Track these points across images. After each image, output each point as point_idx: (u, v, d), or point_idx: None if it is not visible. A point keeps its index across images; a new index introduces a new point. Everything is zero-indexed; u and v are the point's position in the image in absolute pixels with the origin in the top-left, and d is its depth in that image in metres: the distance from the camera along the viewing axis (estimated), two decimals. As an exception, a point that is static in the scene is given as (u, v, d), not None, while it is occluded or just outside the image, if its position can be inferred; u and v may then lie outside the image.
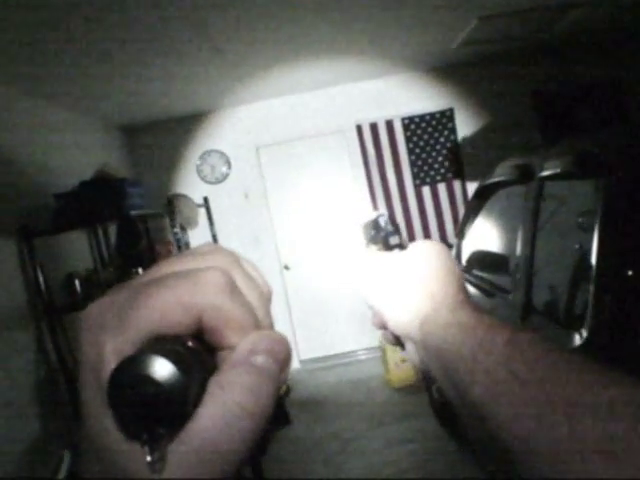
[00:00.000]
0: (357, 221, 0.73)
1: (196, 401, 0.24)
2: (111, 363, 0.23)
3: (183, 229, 3.91)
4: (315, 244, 4.82)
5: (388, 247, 0.60)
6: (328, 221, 4.75)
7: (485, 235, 2.75)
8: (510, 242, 2.46)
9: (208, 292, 0.25)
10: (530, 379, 0.34)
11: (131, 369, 0.22)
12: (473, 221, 2.83)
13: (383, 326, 0.55)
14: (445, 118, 4.76)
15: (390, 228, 0.61)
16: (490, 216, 2.70)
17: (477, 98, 4.77)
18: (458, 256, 2.89)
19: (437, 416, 3.58)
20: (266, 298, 0.31)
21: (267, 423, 0.25)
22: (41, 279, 2.93)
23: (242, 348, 0.26)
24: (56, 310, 3.02)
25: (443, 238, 4.75)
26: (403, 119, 4.74)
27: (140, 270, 3.12)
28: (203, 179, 4.84)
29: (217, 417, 0.23)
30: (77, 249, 3.49)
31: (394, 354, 4.37)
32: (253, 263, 0.32)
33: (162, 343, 0.24)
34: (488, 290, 2.59)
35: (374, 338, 4.77)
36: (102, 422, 0.24)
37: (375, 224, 0.63)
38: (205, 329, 0.26)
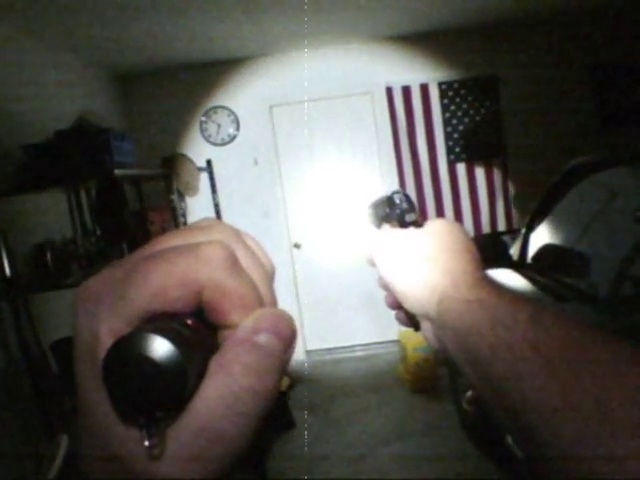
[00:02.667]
0: (368, 198, 0.65)
1: (196, 382, 0.22)
2: (106, 342, 0.22)
3: (181, 195, 3.33)
4: (330, 221, 4.24)
5: (404, 224, 0.55)
6: (347, 196, 4.16)
7: (563, 228, 2.18)
8: (597, 238, 1.94)
9: (209, 267, 0.24)
10: (555, 355, 0.33)
11: (127, 348, 0.21)
12: (550, 210, 2.25)
13: (397, 305, 0.54)
14: (488, 86, 4.13)
15: (405, 205, 0.56)
16: (574, 206, 2.12)
17: (526, 67, 4.13)
18: (523, 251, 2.32)
19: (468, 432, 3.07)
20: (269, 276, 0.29)
21: (271, 404, 0.23)
22: (2, 250, 2.36)
23: (245, 326, 0.24)
24: (20, 288, 2.47)
25: (476, 225, 4.16)
26: (440, 84, 4.11)
27: (124, 244, 2.55)
28: (207, 139, 4.23)
29: (218, 398, 0.22)
30: (50, 214, 2.90)
31: (415, 353, 3.85)
32: (256, 239, 0.30)
33: (161, 321, 0.22)
34: (560, 293, 2.08)
35: (392, 330, 4.23)
36: (98, 406, 0.23)
37: (390, 201, 0.58)
38: (206, 306, 0.24)
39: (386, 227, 0.60)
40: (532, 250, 2.35)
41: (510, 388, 0.35)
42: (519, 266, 2.30)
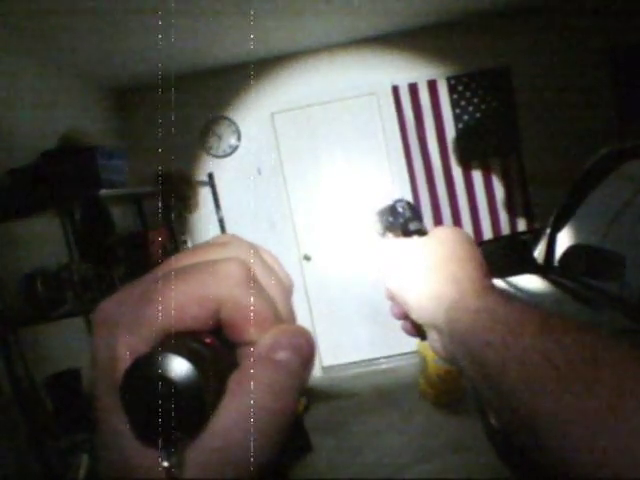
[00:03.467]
0: (377, 205, 0.64)
1: (215, 401, 0.22)
2: (125, 363, 0.22)
3: (180, 212, 3.17)
4: (341, 231, 4.04)
5: (407, 233, 0.55)
6: (357, 203, 3.96)
7: (593, 227, 1.95)
8: (632, 236, 1.74)
9: (226, 285, 0.24)
10: (566, 365, 0.32)
11: (145, 368, 0.20)
12: (578, 206, 2.02)
13: (403, 316, 0.54)
14: (500, 78, 3.90)
15: (409, 214, 0.56)
16: (605, 201, 1.90)
17: (538, 55, 3.90)
18: (549, 253, 2.09)
19: (497, 449, 2.84)
20: (287, 291, 0.29)
21: (290, 422, 0.23)
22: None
23: (263, 343, 0.24)
24: (8, 321, 2.32)
25: (495, 225, 3.93)
26: (449, 78, 3.90)
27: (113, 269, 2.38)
28: (208, 152, 4.07)
29: (237, 417, 0.22)
30: (43, 240, 2.75)
31: (436, 365, 3.62)
32: (273, 254, 0.30)
33: (179, 340, 0.22)
34: (592, 299, 1.87)
35: (411, 341, 4.01)
36: (117, 426, 0.22)
37: (393, 210, 0.57)
38: (224, 324, 0.24)
39: (390, 236, 0.59)
40: (559, 252, 2.13)
41: (522, 399, 0.34)
42: (545, 270, 2.07)
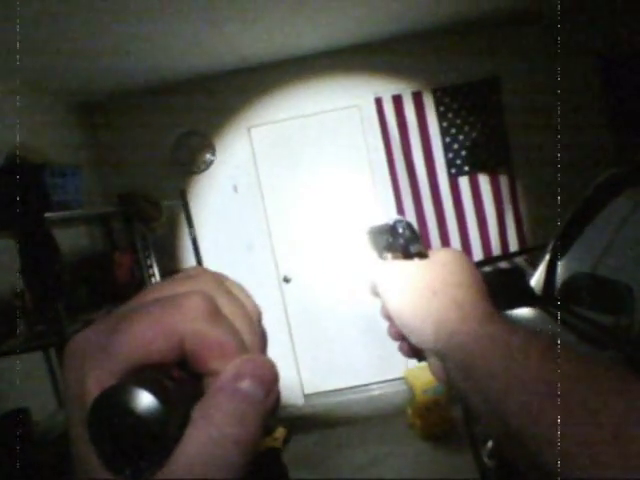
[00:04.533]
0: (365, 226, 0.63)
1: (180, 432, 0.22)
2: (93, 395, 0.22)
3: (144, 234, 2.92)
4: (322, 251, 3.81)
5: (408, 255, 0.53)
6: (338, 222, 3.74)
7: (597, 254, 1.74)
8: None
9: (189, 318, 0.24)
10: (570, 393, 0.32)
11: (110, 401, 0.21)
12: (581, 232, 1.81)
13: (400, 337, 0.53)
14: (489, 89, 3.72)
15: (409, 235, 0.54)
16: (610, 226, 1.69)
17: (529, 66, 3.72)
18: (549, 282, 1.87)
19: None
20: (254, 321, 0.29)
21: (255, 451, 0.23)
22: None
23: (226, 373, 0.24)
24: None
25: (485, 245, 3.72)
26: (435, 90, 3.71)
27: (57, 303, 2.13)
28: (181, 168, 3.83)
29: (201, 447, 0.22)
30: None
31: (425, 396, 3.39)
32: (240, 285, 0.31)
33: (145, 373, 0.23)
34: (597, 337, 1.67)
35: (397, 367, 3.78)
36: (87, 457, 0.23)
37: (393, 230, 0.56)
38: (188, 356, 0.25)
39: (389, 257, 0.57)
40: (557, 281, 1.91)
41: (524, 426, 0.34)
42: (544, 302, 1.85)
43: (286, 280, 3.93)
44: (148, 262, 3.02)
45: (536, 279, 1.96)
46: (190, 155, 3.81)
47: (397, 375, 3.85)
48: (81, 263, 3.15)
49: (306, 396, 4.01)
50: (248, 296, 0.31)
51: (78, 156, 3.48)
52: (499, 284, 1.94)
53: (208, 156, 3.83)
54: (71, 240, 3.13)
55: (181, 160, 3.82)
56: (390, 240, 0.57)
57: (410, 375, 3.52)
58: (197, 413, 0.23)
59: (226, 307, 0.27)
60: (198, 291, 0.26)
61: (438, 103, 3.70)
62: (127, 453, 0.21)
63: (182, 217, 3.61)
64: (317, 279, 3.86)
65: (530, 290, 1.84)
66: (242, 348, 0.26)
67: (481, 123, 3.71)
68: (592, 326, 1.70)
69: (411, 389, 3.52)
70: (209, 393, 0.24)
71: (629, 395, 0.31)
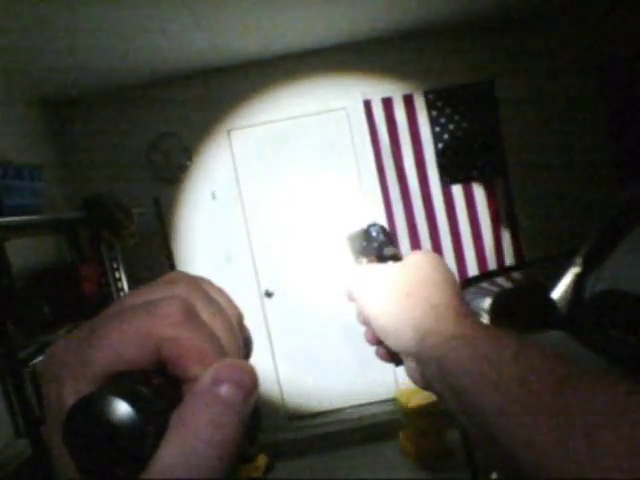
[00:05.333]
0: (343, 232, 0.65)
1: (158, 439, 0.22)
2: (69, 404, 0.22)
3: (112, 244, 2.63)
4: (307, 263, 3.55)
5: (382, 259, 0.54)
6: (324, 232, 3.49)
7: (633, 269, 1.52)
8: None
9: (165, 323, 0.24)
10: (542, 392, 0.32)
11: (85, 409, 0.21)
12: (617, 243, 1.59)
13: (377, 341, 0.53)
14: (484, 93, 3.53)
15: (383, 238, 0.55)
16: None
17: (526, 69, 3.55)
18: (576, 301, 1.64)
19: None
20: (234, 325, 0.29)
21: (234, 457, 0.23)
22: None
23: (204, 379, 0.24)
24: None
25: (480, 259, 3.51)
26: (427, 93, 3.50)
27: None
28: (154, 173, 3.54)
29: (178, 453, 0.22)
30: None
31: (419, 420, 3.15)
32: (220, 288, 0.31)
33: (121, 380, 0.23)
34: (629, 361, 1.44)
35: (389, 388, 3.54)
36: (66, 467, 0.23)
37: (366, 234, 0.57)
38: (166, 362, 0.24)
39: (364, 261, 0.58)
40: (585, 298, 1.68)
41: (498, 426, 0.34)
42: (569, 324, 1.63)
43: (268, 294, 3.66)
44: (117, 275, 2.72)
45: (557, 296, 1.73)
46: (165, 159, 3.52)
47: (387, 396, 3.60)
48: (43, 276, 2.84)
49: (289, 419, 3.72)
50: (229, 300, 0.30)
51: (41, 157, 3.17)
52: (518, 303, 1.71)
53: (184, 160, 3.55)
54: (30, 250, 2.82)
55: (155, 164, 3.53)
56: (364, 244, 0.56)
57: (401, 396, 3.27)
58: (174, 419, 0.22)
59: (204, 312, 0.26)
60: (175, 296, 0.26)
61: (430, 107, 3.50)
62: (103, 461, 0.21)
63: (155, 226, 3.32)
64: (302, 293, 3.60)
65: (555, 310, 1.62)
66: (221, 353, 0.25)
67: (475, 129, 3.51)
68: (628, 351, 1.48)
69: (403, 411, 3.27)
70: (187, 399, 0.23)
71: (601, 394, 0.31)
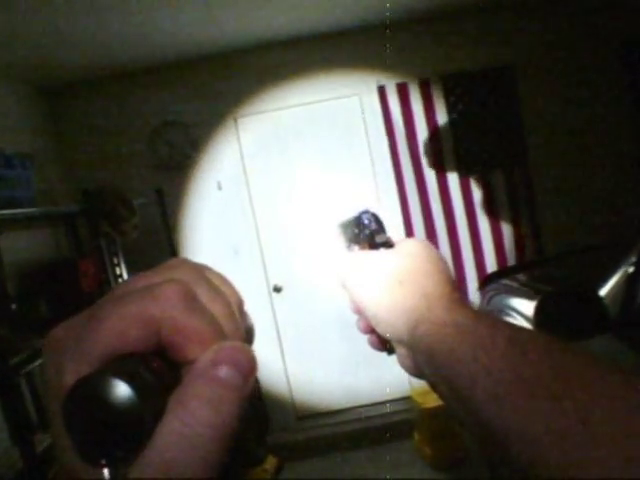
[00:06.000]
0: (336, 220, 0.64)
1: (156, 420, 0.22)
2: (69, 386, 0.22)
3: (112, 238, 2.47)
4: (317, 256, 3.39)
5: (374, 246, 0.53)
6: (336, 224, 3.31)
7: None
8: None
9: (164, 306, 0.24)
10: (535, 379, 0.32)
11: (84, 390, 0.21)
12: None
13: (370, 330, 0.53)
14: (503, 78, 3.35)
15: (375, 226, 0.55)
16: None
17: (547, 52, 3.37)
18: (629, 302, 1.48)
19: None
20: (234, 309, 0.29)
21: (232, 438, 0.23)
22: None
23: (203, 360, 0.24)
24: None
25: (499, 254, 3.35)
26: (444, 78, 3.33)
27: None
28: (157, 163, 3.37)
29: (177, 434, 0.22)
30: None
31: (435, 421, 3.01)
32: (222, 275, 0.31)
33: (121, 362, 0.23)
34: None
35: (403, 386, 3.39)
36: (65, 445, 0.23)
37: (358, 222, 0.56)
38: (165, 344, 0.24)
39: (355, 248, 0.57)
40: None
41: (491, 414, 0.33)
42: (621, 327, 1.47)
43: (277, 289, 3.50)
44: (117, 270, 2.56)
45: (606, 294, 1.57)
46: (168, 148, 3.35)
47: (401, 395, 3.45)
48: (40, 272, 2.69)
49: (299, 419, 3.58)
50: (230, 285, 0.31)
51: (38, 146, 3.00)
52: (566, 308, 1.55)
53: (188, 149, 3.38)
54: (26, 245, 2.66)
55: (158, 154, 3.36)
56: (356, 232, 0.56)
57: (417, 395, 3.13)
58: (173, 400, 0.23)
59: (204, 296, 0.26)
60: (175, 280, 0.26)
61: (448, 93, 3.32)
62: (102, 442, 0.21)
63: (158, 218, 3.16)
64: (312, 288, 3.44)
65: (607, 314, 1.46)
66: (220, 336, 0.25)
67: (495, 116, 3.34)
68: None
69: (418, 412, 3.13)
70: (185, 380, 0.23)
71: (595, 380, 0.31)
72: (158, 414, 0.22)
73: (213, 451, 0.22)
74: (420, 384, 3.18)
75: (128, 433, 0.21)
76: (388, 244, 0.53)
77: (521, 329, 0.37)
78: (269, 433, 3.47)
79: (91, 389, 0.21)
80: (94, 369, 0.23)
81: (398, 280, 0.47)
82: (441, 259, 0.50)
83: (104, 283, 2.70)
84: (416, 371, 0.46)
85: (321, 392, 3.58)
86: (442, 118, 3.32)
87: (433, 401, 3.00)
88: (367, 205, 0.60)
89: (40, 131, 3.15)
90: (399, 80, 3.31)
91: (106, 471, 0.21)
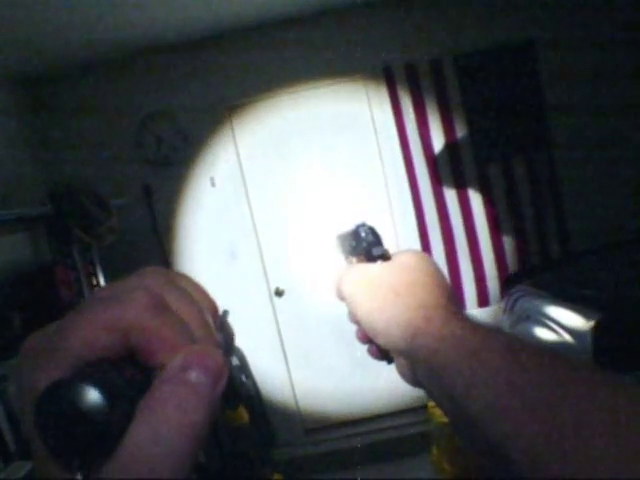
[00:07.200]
0: (333, 233, 0.66)
1: (126, 424, 0.22)
2: (41, 389, 0.23)
3: (87, 243, 2.19)
4: (321, 257, 3.10)
5: (371, 258, 0.55)
6: (341, 222, 3.03)
7: None
8: None
9: (133, 312, 0.25)
10: (531, 389, 0.33)
11: (54, 395, 0.22)
12: None
13: (368, 340, 0.53)
14: (522, 56, 3.04)
15: (371, 238, 0.56)
16: None
17: (571, 26, 3.05)
18: None
19: None
20: (205, 314, 0.29)
21: (203, 442, 0.23)
22: None
23: (172, 365, 0.24)
24: None
25: (521, 249, 3.05)
26: (457, 58, 3.01)
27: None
28: (144, 158, 3.08)
29: (146, 438, 0.22)
30: None
31: (455, 435, 2.73)
32: (197, 282, 0.31)
33: (91, 368, 0.23)
34: None
35: (416, 396, 3.13)
36: (38, 450, 0.23)
37: (355, 235, 0.57)
38: (135, 350, 0.25)
39: (353, 260, 0.58)
40: None
41: (488, 424, 0.34)
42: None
43: (278, 293, 3.22)
44: (94, 280, 2.28)
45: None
46: (156, 141, 3.06)
47: (416, 404, 3.18)
48: (13, 282, 2.42)
49: (307, 431, 3.32)
50: (203, 292, 0.31)
51: (13, 141, 2.72)
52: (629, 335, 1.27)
53: (178, 142, 3.08)
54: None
55: (145, 147, 3.06)
56: (354, 244, 0.57)
57: (435, 409, 2.86)
58: (143, 405, 0.23)
59: (174, 302, 0.27)
60: (143, 286, 0.26)
61: (462, 73, 3.01)
62: (73, 446, 0.21)
63: (146, 219, 2.87)
64: (316, 292, 3.16)
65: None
66: (190, 340, 0.25)
67: (514, 98, 3.03)
68: None
69: (436, 425, 2.86)
70: (155, 384, 0.24)
71: (589, 386, 0.31)
72: (128, 418, 0.22)
73: (182, 454, 0.22)
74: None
75: (98, 437, 0.21)
76: (385, 256, 0.54)
77: (516, 339, 0.37)
78: (274, 448, 3.21)
79: (61, 394, 0.21)
80: (65, 375, 0.23)
81: (395, 292, 0.48)
82: (437, 270, 0.50)
83: (76, 294, 2.40)
84: (414, 381, 0.47)
85: (330, 402, 3.31)
86: (456, 101, 3.01)
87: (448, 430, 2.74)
88: (363, 218, 0.60)
89: (16, 124, 2.87)
90: (407, 60, 3.00)
91: (78, 474, 0.22)
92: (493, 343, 0.37)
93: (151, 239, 2.86)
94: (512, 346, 0.36)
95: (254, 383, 3.10)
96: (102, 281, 2.40)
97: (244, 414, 2.84)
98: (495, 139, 3.02)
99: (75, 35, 2.61)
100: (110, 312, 0.24)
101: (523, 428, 0.31)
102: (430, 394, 0.43)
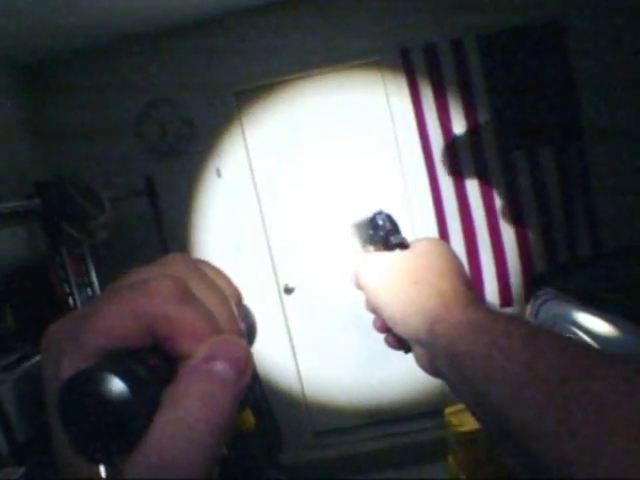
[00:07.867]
0: (349, 221, 0.63)
1: (151, 416, 0.22)
2: (66, 379, 0.22)
3: (77, 240, 2.06)
4: (333, 252, 2.94)
5: (389, 247, 0.54)
6: (355, 214, 2.85)
7: None
8: None
9: (157, 301, 0.24)
10: (552, 378, 0.32)
11: (78, 385, 0.21)
12: None
13: (386, 329, 0.53)
14: (549, 37, 2.80)
15: (389, 226, 0.55)
16: None
17: (602, 6, 2.81)
18: None
19: None
20: (232, 303, 0.28)
21: (228, 434, 0.22)
22: None
23: (197, 355, 0.23)
24: None
25: (548, 246, 2.83)
26: (480, 38, 2.79)
27: None
28: (147, 147, 2.94)
29: (170, 430, 0.21)
30: None
31: (474, 447, 2.56)
32: (219, 269, 0.30)
33: (116, 358, 0.23)
34: None
35: (434, 397, 2.95)
36: (61, 440, 0.23)
37: (373, 223, 0.56)
38: (160, 340, 0.24)
39: (370, 249, 0.57)
40: None
41: (508, 413, 0.33)
42: None
43: (287, 290, 3.06)
44: (86, 280, 2.15)
45: None
46: (159, 130, 2.91)
47: (432, 408, 3.01)
48: (5, 278, 2.31)
49: (315, 435, 3.17)
50: (227, 279, 0.30)
51: (10, 130, 2.61)
52: None
53: (184, 130, 2.93)
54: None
55: (147, 136, 2.92)
56: (371, 233, 0.56)
57: (452, 416, 2.68)
58: (167, 396, 0.22)
59: (199, 290, 0.26)
60: (168, 274, 0.25)
61: (485, 55, 2.79)
62: (97, 437, 0.21)
63: (149, 211, 2.73)
64: (327, 288, 2.99)
65: None
66: (215, 330, 0.25)
67: (542, 81, 2.80)
68: None
69: (453, 434, 2.68)
70: (179, 375, 0.23)
71: (610, 378, 0.30)
72: (153, 409, 0.22)
73: (207, 446, 0.21)
74: (454, 403, 2.74)
75: (122, 428, 0.21)
76: (403, 245, 0.53)
77: (537, 327, 0.36)
78: (281, 451, 3.07)
79: (85, 384, 0.21)
80: (89, 365, 0.22)
81: (413, 280, 0.47)
82: (456, 257, 0.50)
83: (66, 295, 2.26)
84: (433, 370, 0.46)
85: (341, 404, 3.15)
86: (479, 85, 2.79)
87: (471, 423, 2.56)
88: (380, 206, 0.57)
89: (12, 112, 2.75)
90: (426, 42, 2.79)
91: (102, 466, 0.22)
92: (514, 331, 0.36)
93: (153, 233, 2.71)
94: (533, 334, 0.36)
95: (260, 384, 2.96)
96: (94, 280, 2.27)
97: (250, 417, 2.70)
98: (521, 126, 2.79)
99: (72, 20, 2.48)
100: (135, 301, 0.23)
101: (543, 417, 0.30)
102: (449, 383, 0.43)
